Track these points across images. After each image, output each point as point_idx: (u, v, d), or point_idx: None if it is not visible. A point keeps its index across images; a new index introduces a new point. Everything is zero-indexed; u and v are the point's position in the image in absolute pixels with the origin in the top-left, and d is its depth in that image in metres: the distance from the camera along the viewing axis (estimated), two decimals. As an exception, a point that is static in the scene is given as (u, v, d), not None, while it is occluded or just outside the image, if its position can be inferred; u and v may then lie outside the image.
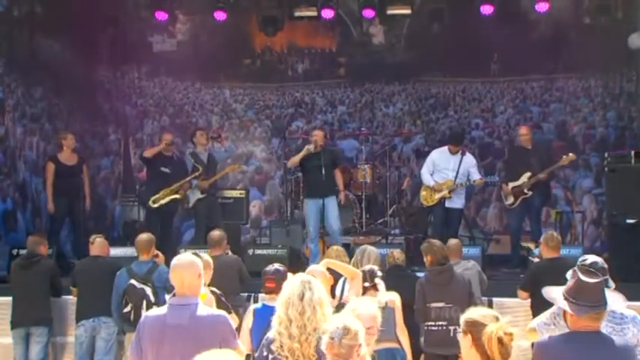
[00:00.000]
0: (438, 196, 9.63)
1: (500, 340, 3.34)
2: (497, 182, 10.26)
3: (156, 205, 9.80)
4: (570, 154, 9.52)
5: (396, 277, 6.99)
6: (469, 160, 9.73)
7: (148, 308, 7.02)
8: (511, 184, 9.70)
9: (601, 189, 11.07)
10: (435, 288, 6.81)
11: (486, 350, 3.38)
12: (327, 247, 9.30)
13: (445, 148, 9.84)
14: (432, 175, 9.72)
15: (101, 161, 12.78)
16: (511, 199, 9.72)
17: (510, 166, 10.01)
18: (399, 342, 6.05)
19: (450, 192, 9.58)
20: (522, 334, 7.45)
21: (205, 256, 6.65)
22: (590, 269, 3.77)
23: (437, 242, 7.18)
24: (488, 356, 3.38)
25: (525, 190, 9.56)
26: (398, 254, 7.70)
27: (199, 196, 10.03)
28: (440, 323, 6.59)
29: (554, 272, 4.89)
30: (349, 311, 4.34)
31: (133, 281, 7.17)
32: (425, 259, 7.07)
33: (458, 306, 6.37)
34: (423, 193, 9.89)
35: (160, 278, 7.13)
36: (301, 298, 4.17)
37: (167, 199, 9.89)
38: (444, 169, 9.67)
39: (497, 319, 3.48)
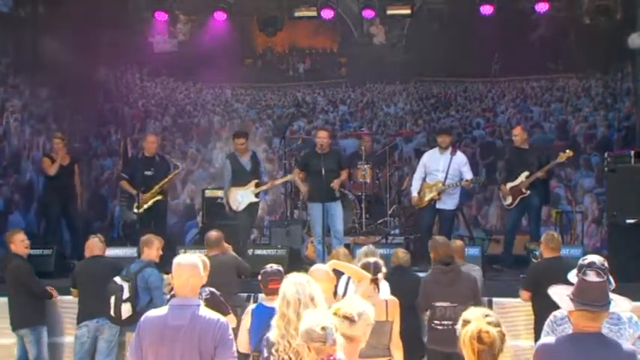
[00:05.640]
0: (427, 197, 9.62)
1: (479, 339, 3.31)
2: (498, 182, 10.21)
3: (140, 211, 9.69)
4: (568, 151, 9.47)
5: (398, 279, 6.90)
6: (459, 159, 9.67)
7: (116, 304, 7.20)
8: (509, 185, 9.68)
9: (602, 189, 11.05)
10: (440, 287, 6.78)
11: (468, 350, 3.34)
12: (328, 247, 9.34)
13: (436, 149, 9.84)
14: (425, 177, 9.72)
15: (104, 162, 12.82)
16: (509, 200, 9.68)
17: (509, 166, 9.98)
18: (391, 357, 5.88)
19: (439, 194, 9.56)
20: (520, 335, 7.53)
21: (202, 256, 6.69)
22: (596, 269, 3.77)
23: (441, 239, 7.11)
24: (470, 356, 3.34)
25: (523, 190, 9.52)
26: (402, 254, 7.63)
27: (253, 200, 9.71)
28: (445, 323, 6.57)
29: (554, 272, 4.88)
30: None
31: (117, 278, 7.32)
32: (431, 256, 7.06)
33: (463, 305, 6.34)
34: (413, 196, 9.88)
35: (142, 278, 7.28)
36: (299, 299, 4.17)
37: (150, 203, 9.81)
38: (434, 171, 9.65)
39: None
